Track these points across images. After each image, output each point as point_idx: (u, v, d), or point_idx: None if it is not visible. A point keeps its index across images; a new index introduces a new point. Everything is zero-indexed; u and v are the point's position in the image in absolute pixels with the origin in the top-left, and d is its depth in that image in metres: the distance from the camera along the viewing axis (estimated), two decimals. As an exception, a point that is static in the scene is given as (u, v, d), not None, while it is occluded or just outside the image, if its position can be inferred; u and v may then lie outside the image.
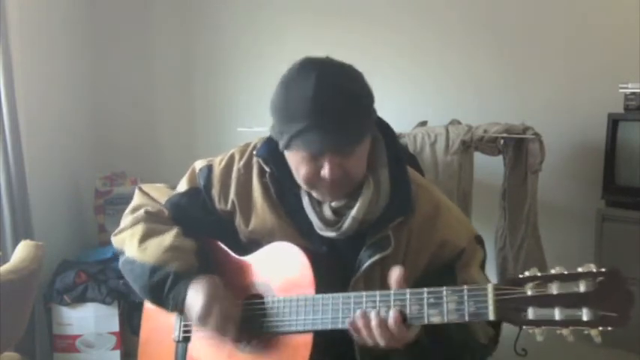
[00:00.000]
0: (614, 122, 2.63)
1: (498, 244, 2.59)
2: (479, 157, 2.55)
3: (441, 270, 1.15)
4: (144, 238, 1.24)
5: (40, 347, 2.58)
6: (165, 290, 1.18)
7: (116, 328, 2.65)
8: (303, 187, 1.15)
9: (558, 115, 2.89)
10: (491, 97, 2.99)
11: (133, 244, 1.24)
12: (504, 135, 2.46)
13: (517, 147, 2.50)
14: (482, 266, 1.20)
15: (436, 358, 1.07)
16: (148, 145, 3.35)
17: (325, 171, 1.08)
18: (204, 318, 1.13)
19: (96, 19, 3.23)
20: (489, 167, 2.72)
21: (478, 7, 3.01)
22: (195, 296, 1.14)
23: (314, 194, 1.16)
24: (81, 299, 2.60)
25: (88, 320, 2.64)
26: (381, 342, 1.00)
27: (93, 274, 2.64)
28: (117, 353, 2.67)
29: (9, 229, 2.43)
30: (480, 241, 1.21)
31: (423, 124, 2.79)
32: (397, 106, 3.04)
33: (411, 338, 1.01)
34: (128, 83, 3.32)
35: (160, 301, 1.20)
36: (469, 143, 2.46)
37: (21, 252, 1.73)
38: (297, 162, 1.12)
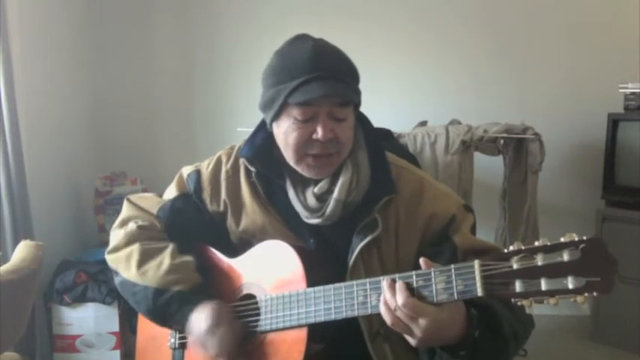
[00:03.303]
0: (614, 122, 2.63)
1: (498, 244, 2.59)
2: (479, 157, 2.55)
3: (436, 239, 1.15)
4: (142, 260, 1.23)
5: (40, 347, 2.58)
6: (171, 312, 1.19)
7: (116, 328, 2.65)
8: (292, 160, 1.16)
9: (558, 115, 2.90)
10: (491, 97, 3.00)
11: (130, 267, 1.24)
12: (504, 135, 2.46)
13: (517, 147, 2.50)
14: (473, 232, 1.20)
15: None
16: (148, 145, 3.35)
17: (319, 130, 1.10)
18: (203, 347, 1.16)
19: (96, 19, 3.23)
20: (489, 167, 2.72)
21: (478, 7, 3.02)
22: (197, 324, 1.15)
23: (300, 169, 1.16)
24: (81, 299, 2.60)
25: (88, 320, 2.64)
26: (405, 319, 0.95)
27: (93, 274, 2.64)
28: (117, 353, 2.66)
29: (9, 229, 2.42)
30: (469, 209, 1.21)
31: (423, 124, 2.79)
32: (397, 106, 3.05)
33: (444, 318, 0.95)
34: (128, 83, 3.32)
35: (164, 322, 1.22)
36: (469, 143, 2.46)
37: (21, 252, 1.73)
38: (287, 129, 1.13)
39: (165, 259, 1.22)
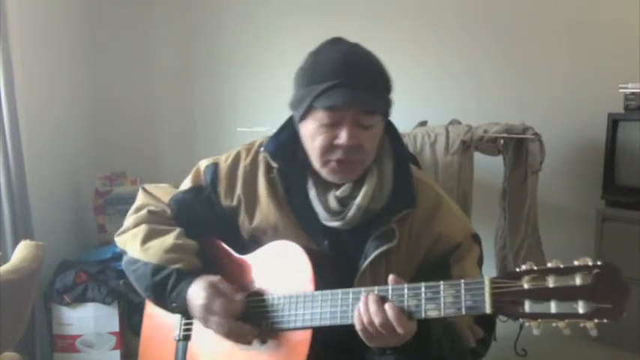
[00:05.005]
0: (614, 122, 2.63)
1: (498, 244, 2.59)
2: (479, 157, 2.55)
3: (435, 263, 1.16)
4: (146, 238, 1.25)
5: (40, 347, 2.58)
6: (167, 289, 1.19)
7: (116, 328, 2.65)
8: (316, 163, 1.16)
9: (558, 115, 2.89)
10: (491, 97, 2.99)
11: (135, 245, 1.26)
12: (504, 135, 2.46)
13: (517, 147, 2.50)
14: (480, 264, 1.21)
15: None
16: (148, 145, 3.35)
17: (343, 135, 1.10)
18: (206, 317, 1.14)
19: (96, 19, 3.23)
20: (489, 167, 2.72)
21: (478, 7, 3.01)
22: (197, 295, 1.15)
23: (324, 173, 1.16)
24: (81, 299, 2.60)
25: (88, 320, 2.64)
26: (383, 330, 0.99)
27: (93, 274, 2.64)
28: (117, 353, 2.66)
29: (9, 229, 2.42)
30: (477, 239, 1.22)
31: (423, 124, 2.78)
32: (397, 106, 3.03)
33: (410, 333, 1.00)
34: (128, 83, 3.32)
35: (163, 300, 1.21)
36: (469, 143, 2.46)
37: (21, 252, 1.73)
38: (313, 130, 1.14)
39: (169, 239, 1.24)
